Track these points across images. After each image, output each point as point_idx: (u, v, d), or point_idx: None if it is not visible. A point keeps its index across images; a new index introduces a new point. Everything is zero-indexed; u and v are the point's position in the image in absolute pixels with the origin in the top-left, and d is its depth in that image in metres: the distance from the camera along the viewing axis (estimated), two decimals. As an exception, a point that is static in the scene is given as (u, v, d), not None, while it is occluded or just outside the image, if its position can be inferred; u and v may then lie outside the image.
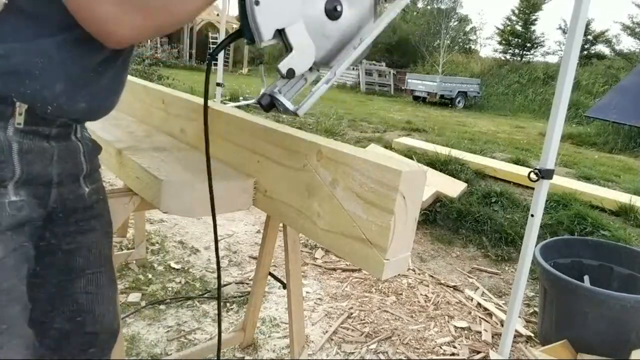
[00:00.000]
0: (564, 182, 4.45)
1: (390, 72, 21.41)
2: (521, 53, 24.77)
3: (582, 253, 2.55)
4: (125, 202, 1.14)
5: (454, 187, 4.14)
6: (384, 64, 22.74)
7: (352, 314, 2.45)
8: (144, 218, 2.73)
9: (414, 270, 3.08)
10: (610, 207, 3.94)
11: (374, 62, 22.59)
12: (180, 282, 2.57)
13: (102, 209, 0.98)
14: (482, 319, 2.55)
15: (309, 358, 2.02)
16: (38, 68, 0.73)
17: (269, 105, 0.88)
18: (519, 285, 1.94)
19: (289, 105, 0.86)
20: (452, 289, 2.88)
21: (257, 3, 0.76)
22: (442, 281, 2.97)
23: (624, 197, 4.02)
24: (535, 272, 2.67)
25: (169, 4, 0.73)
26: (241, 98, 9.12)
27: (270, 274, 1.87)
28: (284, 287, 1.68)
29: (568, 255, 2.54)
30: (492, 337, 2.37)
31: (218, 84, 4.26)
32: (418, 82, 17.57)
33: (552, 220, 3.63)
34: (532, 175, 1.80)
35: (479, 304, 2.71)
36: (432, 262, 3.30)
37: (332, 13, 0.88)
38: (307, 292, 2.64)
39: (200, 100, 1.35)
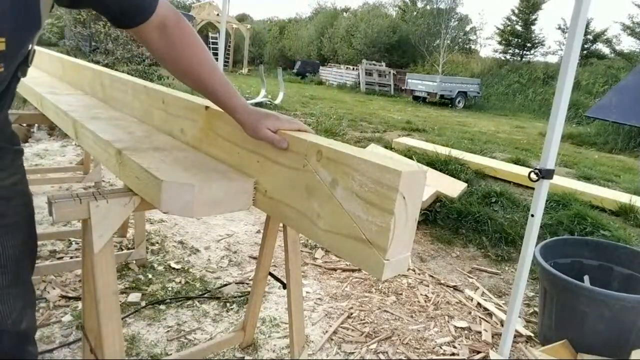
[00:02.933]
0: (564, 182, 4.45)
1: (390, 72, 21.42)
2: (521, 53, 24.79)
3: (582, 253, 2.55)
4: (125, 202, 1.14)
5: (454, 187, 4.14)
6: (384, 64, 22.76)
7: (352, 314, 2.46)
8: (144, 218, 2.73)
9: (414, 270, 3.08)
10: (610, 207, 3.94)
11: (374, 62, 22.61)
12: (180, 282, 2.57)
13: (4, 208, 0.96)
14: (482, 319, 2.55)
15: (309, 358, 2.02)
16: None
17: None
18: (519, 285, 1.94)
19: None
20: (452, 289, 2.88)
21: None
22: (442, 281, 2.97)
23: (624, 197, 4.02)
24: (535, 272, 2.68)
25: None
26: (241, 98, 9.11)
27: (270, 274, 1.87)
28: (284, 287, 1.68)
29: (568, 255, 2.54)
30: (492, 337, 2.37)
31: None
32: (418, 82, 17.58)
33: (552, 220, 3.63)
34: (532, 175, 1.80)
35: (479, 304, 2.71)
36: (432, 262, 3.30)
37: None
38: (307, 292, 2.64)
39: (201, 101, 1.35)
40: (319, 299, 2.60)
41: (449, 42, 23.08)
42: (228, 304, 2.42)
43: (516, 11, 24.61)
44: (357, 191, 0.82)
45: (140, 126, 1.57)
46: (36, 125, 5.70)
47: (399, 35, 26.24)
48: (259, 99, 8.99)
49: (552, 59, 24.03)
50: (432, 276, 3.03)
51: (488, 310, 2.64)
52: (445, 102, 17.29)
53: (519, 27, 24.63)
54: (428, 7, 26.91)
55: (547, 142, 1.80)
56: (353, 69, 22.23)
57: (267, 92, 9.28)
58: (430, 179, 4.05)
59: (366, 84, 20.49)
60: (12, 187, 0.99)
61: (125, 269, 2.61)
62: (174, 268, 2.73)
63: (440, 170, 4.50)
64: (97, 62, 6.63)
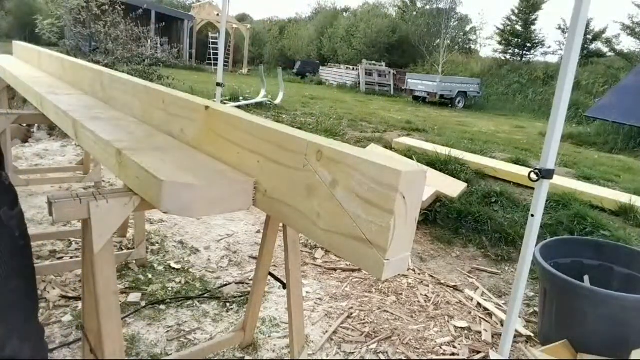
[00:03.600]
0: (564, 182, 4.44)
1: (390, 72, 21.40)
2: (521, 53, 24.75)
3: (582, 253, 2.55)
4: (125, 202, 1.14)
5: (454, 187, 4.14)
6: (384, 64, 22.74)
7: (352, 314, 2.45)
8: (144, 218, 2.73)
9: (414, 270, 3.08)
10: (610, 207, 3.94)
11: (374, 62, 22.60)
12: (180, 282, 2.57)
13: None
14: (482, 319, 2.55)
15: (309, 358, 2.02)
16: None
17: None
18: (519, 285, 1.94)
19: None
20: (452, 289, 2.88)
21: None
22: (442, 281, 2.97)
23: (624, 197, 4.01)
24: (535, 272, 2.67)
25: None
26: (241, 98, 9.11)
27: (270, 274, 1.87)
28: (284, 287, 1.68)
29: (568, 255, 2.54)
30: (492, 337, 2.37)
31: (218, 84, 4.25)
32: (418, 82, 17.56)
33: (552, 220, 3.63)
34: (532, 175, 1.80)
35: (479, 304, 2.71)
36: (432, 262, 3.30)
37: None
38: (307, 292, 2.64)
39: (201, 101, 1.35)
40: (319, 299, 2.60)
41: (449, 42, 23.07)
42: (228, 304, 2.41)
43: (516, 11, 24.58)
44: (357, 191, 0.82)
45: (140, 126, 1.57)
46: (36, 125, 5.70)
47: (399, 35, 26.22)
48: (259, 99, 8.99)
49: (552, 59, 24.01)
50: (432, 276, 3.03)
51: (488, 310, 2.64)
52: (445, 102, 17.27)
53: (519, 27, 24.61)
54: (428, 7, 26.90)
55: (547, 142, 1.80)
56: (353, 69, 22.21)
57: (267, 92, 9.27)
58: (430, 179, 4.05)
59: (366, 84, 20.48)
60: None
61: (125, 269, 2.61)
62: (174, 268, 2.73)
63: (440, 170, 4.49)
64: (97, 62, 6.64)
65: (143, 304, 2.30)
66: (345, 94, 17.62)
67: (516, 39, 24.51)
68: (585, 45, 20.57)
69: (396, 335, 2.30)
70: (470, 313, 2.61)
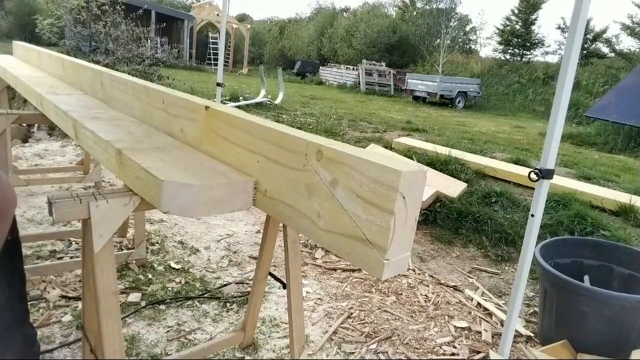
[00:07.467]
0: (564, 182, 4.45)
1: (390, 72, 21.41)
2: (521, 53, 24.77)
3: (582, 253, 2.55)
4: (125, 202, 1.14)
5: (454, 187, 4.14)
6: (384, 64, 22.75)
7: (352, 314, 2.45)
8: (144, 218, 2.73)
9: (414, 270, 3.08)
10: (610, 207, 3.94)
11: (374, 62, 22.61)
12: (180, 282, 2.57)
13: None
14: (482, 319, 2.55)
15: (309, 358, 2.02)
16: None
17: None
18: (519, 285, 1.94)
19: None
20: (452, 289, 2.88)
21: None
22: (442, 281, 2.97)
23: (624, 197, 4.01)
24: (535, 272, 2.67)
25: None
26: (241, 98, 9.11)
27: (270, 274, 1.87)
28: (284, 287, 1.68)
29: (568, 255, 2.54)
30: (492, 337, 2.37)
31: (218, 84, 4.25)
32: (418, 82, 17.56)
33: (552, 220, 3.63)
34: (532, 175, 1.80)
35: (479, 304, 2.71)
36: (432, 262, 3.29)
37: None
38: (307, 292, 2.64)
39: (201, 100, 1.35)
40: (319, 299, 2.60)
41: (449, 42, 23.05)
42: (228, 304, 2.41)
43: (516, 11, 24.61)
44: (357, 191, 0.82)
45: (140, 126, 1.57)
46: (36, 125, 5.71)
47: (399, 35, 26.22)
48: (259, 99, 8.99)
49: (552, 59, 24.02)
50: (432, 276, 3.03)
51: (488, 310, 2.64)
52: (445, 102, 17.27)
53: (518, 27, 24.62)
54: (427, 7, 26.87)
55: (547, 142, 1.80)
56: (353, 69, 22.22)
57: (267, 92, 9.27)
58: (430, 179, 4.05)
59: (366, 84, 20.48)
60: None
61: (125, 269, 2.61)
62: (174, 268, 2.73)
63: (440, 170, 4.49)
64: (97, 62, 6.63)
65: (143, 304, 2.30)
66: (345, 94, 17.62)
67: (516, 39, 24.52)
68: (585, 45, 20.57)
69: (396, 335, 2.30)
70: (470, 313, 2.61)
